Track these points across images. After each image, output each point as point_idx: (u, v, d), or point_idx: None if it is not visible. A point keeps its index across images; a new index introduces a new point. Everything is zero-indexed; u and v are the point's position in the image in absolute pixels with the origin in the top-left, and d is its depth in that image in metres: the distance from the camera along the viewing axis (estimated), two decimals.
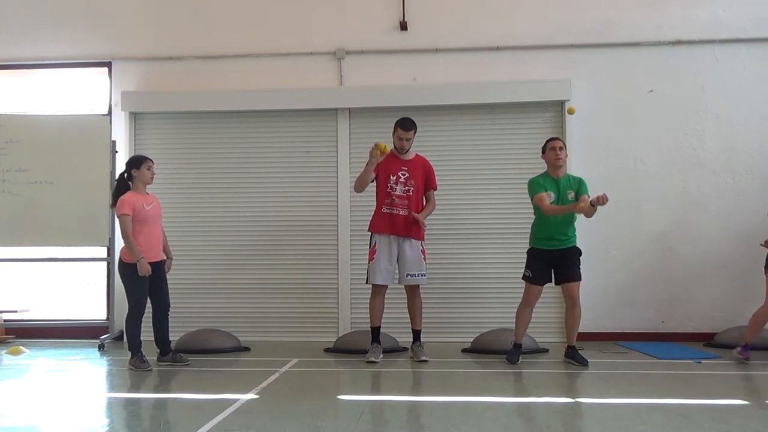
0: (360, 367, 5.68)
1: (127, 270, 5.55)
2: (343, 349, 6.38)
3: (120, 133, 7.31)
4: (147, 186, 5.76)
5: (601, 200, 5.17)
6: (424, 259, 5.96)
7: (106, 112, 7.51)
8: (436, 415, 4.17)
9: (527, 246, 5.91)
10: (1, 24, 7.61)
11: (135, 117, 7.40)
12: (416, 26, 7.29)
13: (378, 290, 5.92)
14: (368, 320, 6.00)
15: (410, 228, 5.88)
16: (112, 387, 5.28)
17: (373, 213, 5.98)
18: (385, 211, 5.88)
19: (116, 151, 7.13)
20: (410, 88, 7.20)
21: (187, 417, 4.16)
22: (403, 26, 7.26)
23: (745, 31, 7.03)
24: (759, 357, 5.82)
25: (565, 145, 5.73)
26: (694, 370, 5.44)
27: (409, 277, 5.90)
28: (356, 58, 7.33)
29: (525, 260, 5.89)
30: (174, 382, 5.28)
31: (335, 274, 7.20)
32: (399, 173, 5.90)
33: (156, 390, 5.05)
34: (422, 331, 6.06)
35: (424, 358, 5.86)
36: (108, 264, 7.31)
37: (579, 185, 5.67)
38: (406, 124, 5.89)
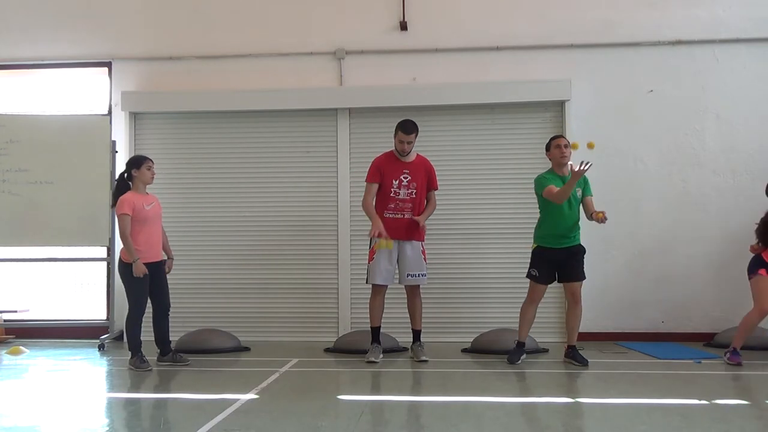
0: (360, 367, 5.67)
1: (127, 270, 5.55)
2: (343, 349, 6.38)
3: (120, 133, 7.31)
4: (147, 186, 5.77)
5: (600, 219, 5.40)
6: (425, 259, 5.96)
7: (106, 112, 7.51)
8: (436, 415, 4.17)
9: (528, 246, 5.91)
10: (1, 24, 7.61)
11: (135, 117, 7.40)
12: (416, 26, 7.29)
13: (378, 290, 5.91)
14: (368, 320, 6.00)
15: (412, 231, 5.87)
16: (112, 387, 5.28)
17: None
18: (388, 216, 5.85)
19: (116, 151, 7.13)
20: (410, 88, 7.20)
21: (187, 417, 4.16)
22: (403, 26, 7.26)
23: (745, 31, 7.03)
24: (759, 357, 5.83)
25: (569, 143, 5.74)
26: (694, 370, 5.44)
27: (409, 277, 5.90)
28: (356, 58, 7.33)
29: (525, 260, 5.88)
30: (174, 382, 5.28)
31: (335, 274, 7.20)
32: (401, 177, 5.88)
33: (156, 390, 5.05)
34: (422, 331, 6.06)
35: (424, 358, 5.85)
36: (108, 264, 7.31)
37: (585, 183, 5.68)
38: (407, 128, 5.83)
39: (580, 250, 5.71)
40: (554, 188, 5.50)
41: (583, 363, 5.59)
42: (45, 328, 7.33)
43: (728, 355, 5.61)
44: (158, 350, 5.84)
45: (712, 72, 7.06)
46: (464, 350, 6.40)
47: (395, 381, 5.28)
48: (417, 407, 4.51)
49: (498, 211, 7.12)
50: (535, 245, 5.78)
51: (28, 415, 4.27)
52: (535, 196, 5.78)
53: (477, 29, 7.24)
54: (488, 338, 6.38)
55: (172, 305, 5.87)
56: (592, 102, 7.02)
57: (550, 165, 5.83)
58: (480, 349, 6.32)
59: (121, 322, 6.39)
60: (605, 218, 5.39)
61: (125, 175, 5.75)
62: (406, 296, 6.04)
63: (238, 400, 4.43)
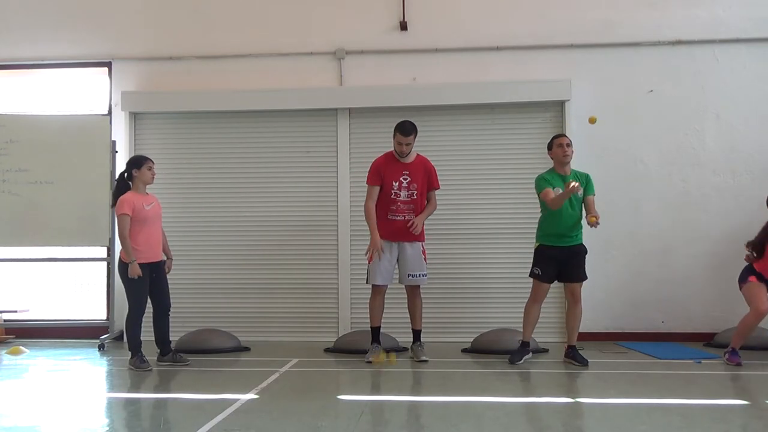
0: (360, 367, 5.67)
1: (127, 270, 5.54)
2: (343, 349, 6.38)
3: (120, 133, 7.31)
4: (147, 186, 5.77)
5: (592, 224, 5.43)
6: (425, 259, 5.96)
7: (106, 112, 7.51)
8: (436, 415, 4.17)
9: (528, 245, 5.91)
10: (1, 24, 7.61)
11: (135, 117, 7.40)
12: (416, 26, 7.29)
13: (378, 290, 5.91)
14: (368, 320, 6.00)
15: (411, 233, 5.86)
16: (112, 387, 5.28)
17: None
18: (390, 218, 5.84)
19: (116, 151, 7.13)
20: (410, 88, 7.20)
21: (187, 417, 4.16)
22: (403, 26, 7.26)
23: (745, 31, 7.03)
24: (758, 357, 5.83)
25: (571, 141, 5.74)
26: (694, 370, 5.44)
27: (410, 277, 5.89)
28: (356, 58, 7.33)
29: (525, 260, 5.89)
30: (174, 382, 5.28)
31: (335, 274, 7.20)
32: (401, 178, 5.87)
33: (156, 390, 5.05)
34: (422, 331, 6.06)
35: (424, 358, 5.85)
36: (108, 264, 7.31)
37: (587, 182, 5.67)
38: (405, 129, 5.79)
39: (582, 250, 5.71)
40: (551, 192, 5.51)
41: (583, 363, 5.59)
42: (45, 328, 7.33)
43: (727, 355, 5.62)
44: (158, 350, 5.84)
45: (712, 72, 7.06)
46: (464, 350, 6.39)
47: (395, 381, 5.28)
48: (417, 407, 4.51)
49: (498, 211, 7.12)
50: (538, 244, 5.78)
51: (28, 415, 4.27)
52: (536, 195, 5.78)
53: (477, 29, 7.24)
54: (488, 338, 6.38)
55: (172, 305, 5.87)
56: (592, 102, 7.01)
57: (550, 164, 5.83)
58: (480, 349, 6.32)
59: (121, 322, 6.39)
60: (597, 223, 5.41)
61: (125, 174, 5.75)
62: (406, 296, 6.04)
63: (238, 400, 4.42)
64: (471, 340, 6.50)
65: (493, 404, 4.40)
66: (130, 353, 5.65)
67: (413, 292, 6.00)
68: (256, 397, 4.57)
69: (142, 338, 5.65)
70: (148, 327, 5.77)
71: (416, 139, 5.92)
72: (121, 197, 5.61)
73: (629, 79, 7.10)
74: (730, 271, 6.61)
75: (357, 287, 6.99)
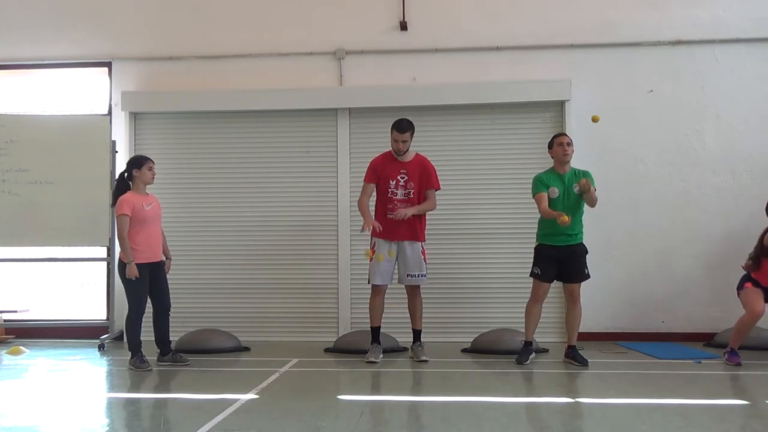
0: (360, 367, 5.67)
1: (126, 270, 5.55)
2: (343, 349, 6.38)
3: (120, 133, 7.31)
4: (147, 186, 5.77)
5: (584, 188, 5.37)
6: (425, 259, 5.95)
7: (106, 112, 7.51)
8: (436, 415, 4.17)
9: (528, 246, 5.92)
10: (1, 24, 7.60)
11: (135, 117, 7.40)
12: (416, 26, 7.28)
13: (377, 290, 5.91)
14: (368, 320, 6.00)
15: (412, 231, 5.86)
16: (112, 387, 5.28)
17: (373, 216, 5.95)
18: (389, 216, 5.83)
19: (116, 151, 7.13)
20: (410, 88, 7.20)
21: (187, 417, 4.16)
22: (403, 26, 7.26)
23: (745, 31, 7.03)
24: (758, 357, 5.83)
25: (571, 141, 5.74)
26: (694, 370, 5.44)
27: (409, 277, 5.89)
28: (356, 58, 7.33)
29: (525, 260, 5.90)
30: (174, 382, 5.28)
31: (335, 274, 7.20)
32: (398, 177, 5.88)
33: (156, 390, 5.05)
34: (422, 331, 6.06)
35: (424, 358, 5.85)
36: (108, 264, 7.31)
37: (586, 178, 5.65)
38: (401, 126, 5.81)
39: (582, 251, 5.71)
40: (544, 199, 5.55)
41: (583, 363, 5.59)
42: (45, 328, 7.33)
43: (727, 355, 5.63)
44: (158, 350, 5.84)
45: (712, 72, 7.06)
46: (464, 350, 6.39)
47: (395, 381, 5.29)
48: (417, 407, 4.51)
49: (498, 211, 7.12)
50: (537, 243, 5.79)
51: (28, 415, 4.27)
52: None
53: (477, 29, 7.24)
54: (488, 338, 6.38)
55: (172, 305, 5.87)
56: (592, 102, 7.01)
57: (550, 165, 5.83)
58: (480, 349, 6.32)
59: (121, 322, 6.39)
60: (588, 186, 5.35)
61: (125, 174, 5.75)
62: (406, 296, 6.04)
63: (238, 400, 4.43)
64: (471, 340, 6.50)
65: (493, 404, 4.40)
66: (130, 353, 5.65)
67: (413, 292, 6.00)
68: (256, 397, 4.57)
69: (142, 338, 5.65)
70: (148, 327, 5.77)
71: (415, 137, 5.92)
72: (121, 197, 5.61)
73: (629, 79, 7.10)
74: (730, 271, 6.62)
75: (357, 287, 6.99)
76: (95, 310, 7.52)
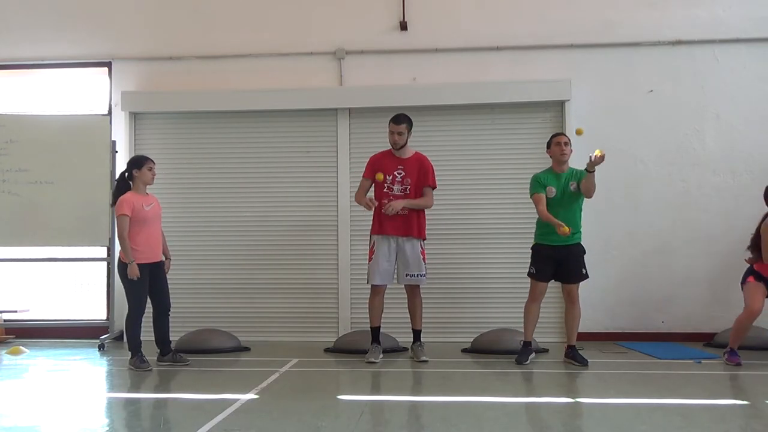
0: (360, 367, 5.67)
1: (127, 270, 5.54)
2: (343, 349, 6.38)
3: (120, 133, 7.31)
4: (147, 186, 5.77)
5: (597, 159, 5.33)
6: (424, 259, 5.95)
7: (106, 112, 7.51)
8: (436, 415, 4.17)
9: (527, 246, 5.91)
10: (1, 24, 7.60)
11: (135, 117, 7.40)
12: (416, 26, 7.28)
13: (377, 290, 5.91)
14: (368, 320, 6.00)
15: (409, 227, 5.86)
16: (112, 387, 5.28)
17: (372, 215, 5.97)
18: (382, 211, 5.86)
19: (116, 151, 7.13)
20: (410, 88, 7.20)
21: (187, 417, 4.16)
22: (403, 26, 7.26)
23: (745, 31, 7.02)
24: (758, 357, 5.83)
25: (570, 140, 5.74)
26: (694, 370, 5.44)
27: (408, 277, 5.89)
28: (356, 58, 7.33)
29: (525, 260, 5.89)
30: (174, 382, 5.28)
31: (335, 274, 7.20)
32: (395, 172, 5.90)
33: (156, 390, 5.05)
34: (422, 331, 6.06)
35: (424, 358, 5.85)
36: (108, 264, 7.31)
37: (580, 176, 5.62)
38: (397, 118, 5.88)
39: (579, 251, 5.71)
40: (542, 203, 5.58)
41: (583, 363, 5.60)
42: (45, 328, 7.33)
43: (726, 355, 5.63)
44: (158, 350, 5.84)
45: (712, 72, 7.06)
46: (464, 350, 6.39)
47: (395, 381, 5.29)
48: (417, 407, 4.51)
49: (498, 211, 7.12)
50: (534, 242, 5.80)
51: (28, 415, 4.27)
52: None
53: (477, 29, 7.24)
54: (488, 338, 6.38)
55: (172, 305, 5.87)
56: (592, 102, 7.02)
57: (549, 164, 5.83)
58: (480, 349, 6.32)
59: (121, 322, 6.39)
60: (601, 156, 5.34)
61: (126, 174, 5.75)
62: (406, 296, 6.04)
63: (238, 400, 4.43)
64: (471, 340, 6.50)
65: (493, 404, 4.40)
66: (130, 353, 5.65)
67: (413, 291, 6.00)
68: (256, 397, 4.57)
69: (142, 338, 5.65)
70: (148, 327, 5.77)
71: (415, 138, 5.94)
72: (121, 197, 5.61)
73: (629, 79, 7.10)
74: (730, 271, 6.62)
75: (357, 287, 6.99)
76: (95, 310, 7.52)
